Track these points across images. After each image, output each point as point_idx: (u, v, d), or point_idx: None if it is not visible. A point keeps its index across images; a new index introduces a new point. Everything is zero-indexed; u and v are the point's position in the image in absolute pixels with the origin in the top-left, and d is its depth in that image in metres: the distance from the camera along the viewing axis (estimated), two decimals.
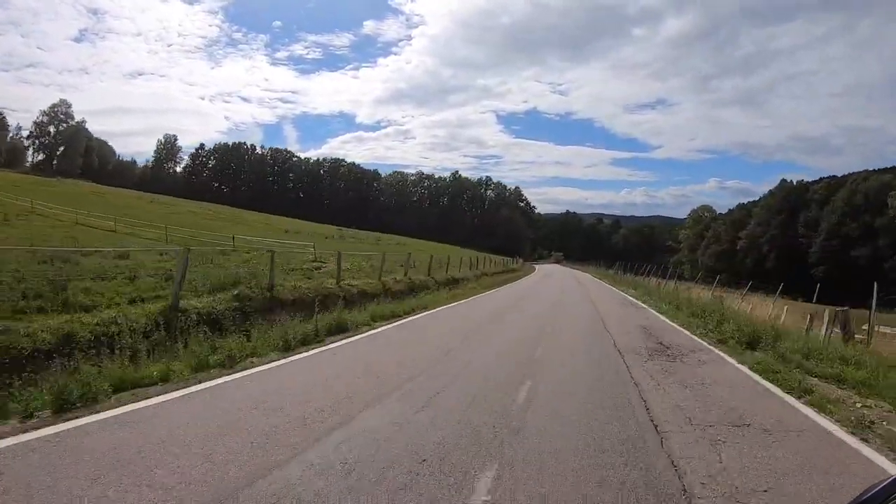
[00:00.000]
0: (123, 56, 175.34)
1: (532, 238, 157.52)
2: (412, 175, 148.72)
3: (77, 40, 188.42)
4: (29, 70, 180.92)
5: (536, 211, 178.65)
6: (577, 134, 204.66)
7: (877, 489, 1.33)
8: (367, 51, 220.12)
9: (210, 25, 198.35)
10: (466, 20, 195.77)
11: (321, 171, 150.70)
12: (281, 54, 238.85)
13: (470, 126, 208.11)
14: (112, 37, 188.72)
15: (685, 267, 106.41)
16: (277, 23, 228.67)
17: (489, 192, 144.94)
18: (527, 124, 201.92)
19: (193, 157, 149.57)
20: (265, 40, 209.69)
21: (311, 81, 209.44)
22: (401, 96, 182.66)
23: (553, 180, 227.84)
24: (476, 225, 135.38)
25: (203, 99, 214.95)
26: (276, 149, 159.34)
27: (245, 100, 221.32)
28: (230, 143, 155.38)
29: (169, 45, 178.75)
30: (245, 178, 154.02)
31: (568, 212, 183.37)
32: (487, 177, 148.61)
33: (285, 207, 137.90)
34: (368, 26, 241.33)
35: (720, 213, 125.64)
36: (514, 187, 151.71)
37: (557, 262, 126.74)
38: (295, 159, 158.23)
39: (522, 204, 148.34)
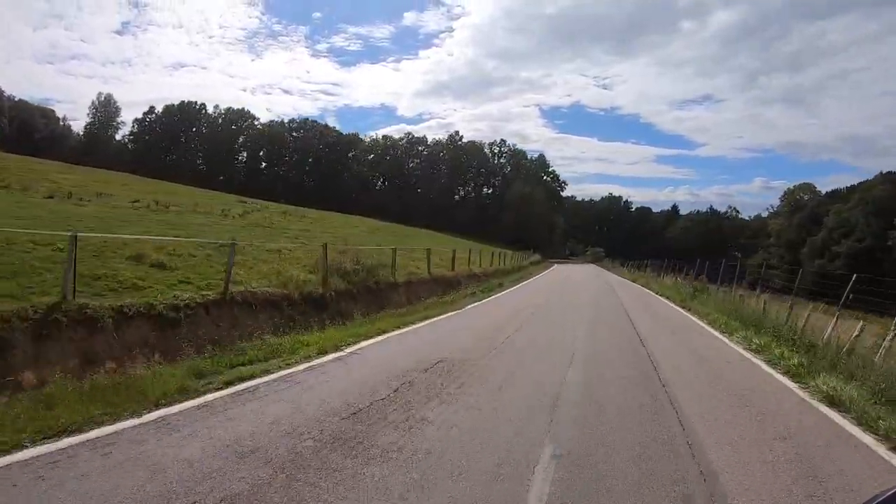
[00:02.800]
0: (165, 48, 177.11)
1: (563, 227, 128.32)
2: (401, 139, 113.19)
3: (119, 32, 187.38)
4: (72, 62, 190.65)
5: (572, 196, 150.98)
6: (621, 130, 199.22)
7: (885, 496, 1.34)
8: (408, 43, 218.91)
9: (250, 17, 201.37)
10: (510, 8, 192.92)
11: (287, 136, 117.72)
12: (321, 46, 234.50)
13: (512, 120, 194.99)
14: (154, 29, 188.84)
15: (777, 273, 67.12)
16: (317, 14, 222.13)
17: (501, 159, 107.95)
18: (570, 118, 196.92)
19: (140, 121, 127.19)
20: (305, 32, 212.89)
21: (351, 74, 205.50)
22: (442, 89, 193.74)
23: (595, 177, 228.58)
24: (485, 205, 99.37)
25: (245, 91, 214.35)
26: (234, 109, 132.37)
27: (286, 92, 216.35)
28: (177, 104, 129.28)
29: (210, 37, 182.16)
30: (196, 146, 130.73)
31: (611, 195, 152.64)
32: (501, 139, 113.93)
33: (239, 179, 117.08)
34: (409, 18, 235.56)
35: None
36: (536, 155, 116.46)
37: (595, 260, 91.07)
38: (258, 122, 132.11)
39: (548, 178, 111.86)
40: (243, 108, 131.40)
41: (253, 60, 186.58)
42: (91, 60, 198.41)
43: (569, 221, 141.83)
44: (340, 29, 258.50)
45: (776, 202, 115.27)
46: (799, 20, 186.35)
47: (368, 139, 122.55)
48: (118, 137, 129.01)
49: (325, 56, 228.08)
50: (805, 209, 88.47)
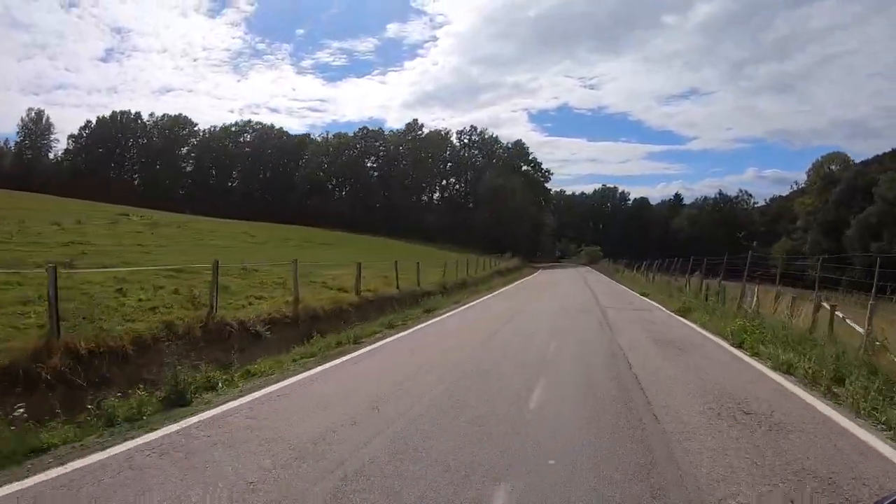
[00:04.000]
0: (150, 73, 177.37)
1: (552, 227, 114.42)
2: (355, 135, 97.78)
3: (104, 60, 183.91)
4: (58, 92, 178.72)
5: (562, 190, 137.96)
6: (610, 129, 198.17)
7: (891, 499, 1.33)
8: (393, 54, 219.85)
9: (233, 38, 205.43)
10: (492, 15, 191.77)
11: (229, 142, 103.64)
12: (306, 62, 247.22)
13: (502, 125, 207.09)
14: (138, 55, 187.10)
15: (811, 263, 52.48)
16: (300, 31, 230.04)
17: (473, 150, 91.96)
18: (558, 121, 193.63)
19: (76, 138, 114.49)
20: (289, 49, 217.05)
21: (338, 89, 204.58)
22: (429, 98, 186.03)
23: (587, 177, 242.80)
24: (458, 204, 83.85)
25: (232, 112, 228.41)
26: (170, 117, 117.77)
27: (274, 110, 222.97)
28: (109, 115, 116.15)
29: (195, 60, 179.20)
30: (131, 161, 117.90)
31: (605, 186, 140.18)
32: (472, 126, 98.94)
33: (177, 192, 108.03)
34: (392, 29, 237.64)
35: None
36: (512, 142, 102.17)
37: (591, 261, 76.06)
38: (198, 129, 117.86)
39: (528, 168, 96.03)
40: (180, 115, 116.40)
41: (238, 81, 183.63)
42: (77, 89, 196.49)
43: (560, 219, 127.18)
44: (324, 44, 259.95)
45: (801, 179, 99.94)
46: (782, 7, 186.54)
47: (320, 138, 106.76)
48: (52, 156, 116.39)
49: (310, 73, 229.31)
50: (841, 182, 72.25)
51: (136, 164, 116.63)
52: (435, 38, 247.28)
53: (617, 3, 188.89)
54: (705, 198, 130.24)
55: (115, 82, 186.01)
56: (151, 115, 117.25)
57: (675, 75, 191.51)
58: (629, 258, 69.41)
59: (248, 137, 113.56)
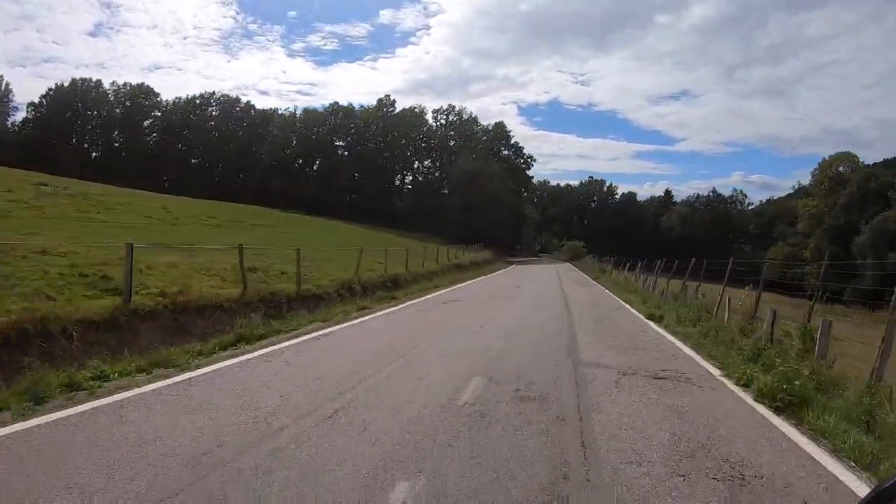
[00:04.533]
0: (140, 50, 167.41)
1: (536, 219, 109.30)
2: (326, 111, 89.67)
3: (92, 34, 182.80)
4: (46, 65, 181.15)
5: (546, 181, 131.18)
6: (599, 126, 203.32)
7: (888, 484, 1.40)
8: (385, 41, 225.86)
9: (224, 17, 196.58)
10: (485, 7, 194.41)
11: (192, 115, 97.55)
12: (297, 45, 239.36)
13: (491, 118, 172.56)
14: (128, 30, 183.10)
15: (810, 271, 46.64)
16: (292, 13, 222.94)
17: (451, 130, 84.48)
18: (548, 116, 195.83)
19: (37, 106, 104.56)
20: (281, 31, 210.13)
21: (329, 73, 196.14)
22: (420, 87, 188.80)
23: (575, 173, 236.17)
24: (431, 190, 76.67)
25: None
26: (133, 86, 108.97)
27: (263, 93, 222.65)
28: (67, 83, 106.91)
29: (185, 38, 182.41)
30: (90, 133, 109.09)
31: (592, 178, 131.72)
32: (450, 105, 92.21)
33: (135, 165, 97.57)
34: (385, 16, 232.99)
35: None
36: (493, 123, 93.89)
37: (573, 257, 69.85)
38: (162, 99, 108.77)
39: (508, 153, 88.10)
40: (143, 84, 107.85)
41: (229, 61, 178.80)
42: (64, 63, 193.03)
43: (544, 212, 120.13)
44: (316, 28, 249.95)
45: (804, 179, 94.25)
46: (778, 11, 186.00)
47: (287, 114, 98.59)
48: (10, 125, 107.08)
49: (301, 56, 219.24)
50: (850, 184, 65.78)
51: (94, 134, 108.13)
52: (428, 27, 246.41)
53: (610, 0, 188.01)
54: (698, 195, 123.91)
55: (104, 58, 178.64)
56: (113, 83, 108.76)
57: (667, 75, 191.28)
58: (615, 256, 62.75)
59: (215, 112, 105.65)
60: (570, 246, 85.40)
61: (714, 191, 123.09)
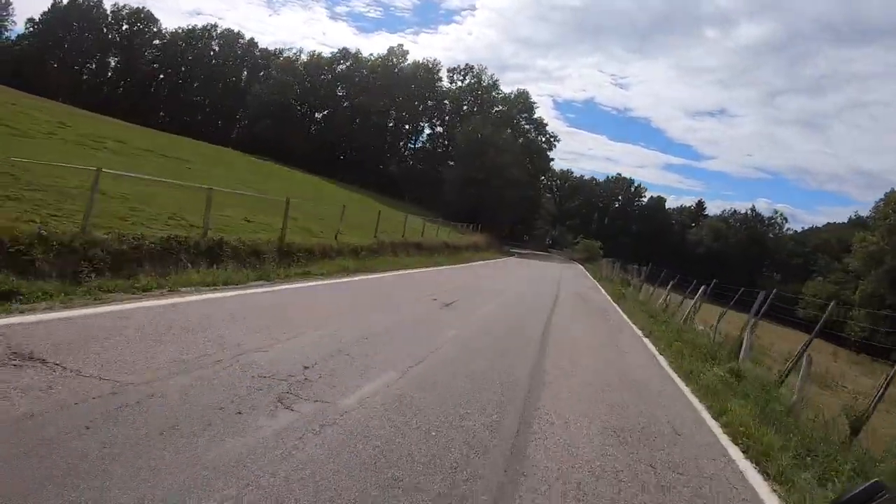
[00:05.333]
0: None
1: (552, 211, 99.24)
2: (333, 57, 79.12)
3: None
4: None
5: (568, 169, 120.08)
6: (632, 131, 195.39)
7: (855, 492, 1.46)
8: (429, 16, 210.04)
9: None
10: None
11: (191, 49, 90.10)
12: (340, 9, 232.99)
13: None
14: None
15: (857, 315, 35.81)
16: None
17: (464, 93, 73.01)
18: (582, 114, 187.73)
19: (37, 23, 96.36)
20: None
21: (369, 40, 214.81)
22: None
23: (601, 176, 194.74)
24: (438, 156, 66.17)
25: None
26: (133, 9, 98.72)
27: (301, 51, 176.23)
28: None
29: None
30: (83, 55, 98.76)
31: (619, 175, 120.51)
32: (467, 63, 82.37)
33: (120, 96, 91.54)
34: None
35: None
36: (515, 90, 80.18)
37: (588, 258, 60.63)
38: (162, 29, 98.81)
39: (529, 127, 75.92)
40: (143, 8, 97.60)
41: (270, 16, 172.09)
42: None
43: (561, 205, 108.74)
44: None
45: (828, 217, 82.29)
46: (826, 44, 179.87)
47: (292, 55, 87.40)
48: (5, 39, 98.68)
49: (343, 20, 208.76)
50: None
51: (88, 57, 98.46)
52: (474, 8, 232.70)
53: (660, 4, 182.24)
54: (734, 211, 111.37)
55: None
56: (115, 4, 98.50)
57: (706, 90, 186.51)
58: (635, 262, 52.17)
59: (216, 46, 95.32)
60: (585, 245, 73.77)
61: (753, 209, 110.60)
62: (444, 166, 66.07)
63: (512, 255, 50.89)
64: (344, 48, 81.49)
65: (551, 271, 37.70)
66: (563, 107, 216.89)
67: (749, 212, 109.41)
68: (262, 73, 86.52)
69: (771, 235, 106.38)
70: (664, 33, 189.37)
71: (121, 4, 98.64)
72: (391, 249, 21.49)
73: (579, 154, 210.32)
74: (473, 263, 29.73)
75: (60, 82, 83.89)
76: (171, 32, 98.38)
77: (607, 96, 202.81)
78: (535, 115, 72.07)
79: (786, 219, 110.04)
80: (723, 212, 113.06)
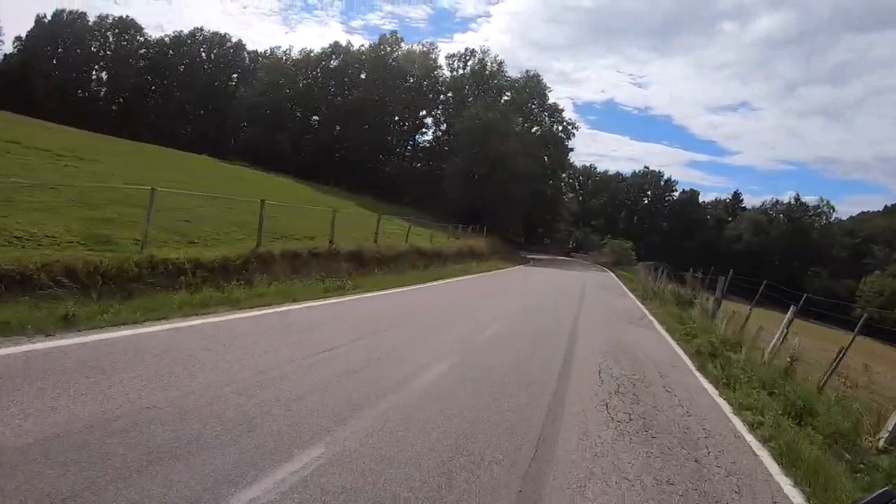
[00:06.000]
0: (197, 13, 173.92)
1: (576, 210, 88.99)
2: (321, 53, 71.48)
3: None
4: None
5: (591, 165, 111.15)
6: (654, 130, 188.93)
7: (868, 499, 1.52)
8: (444, 25, 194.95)
9: None
10: None
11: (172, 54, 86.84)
12: (356, 23, 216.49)
13: None
14: None
15: None
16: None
17: (466, 81, 64.10)
18: (603, 115, 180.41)
19: (24, 40, 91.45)
20: (340, 7, 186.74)
21: None
22: None
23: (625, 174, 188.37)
24: (438, 153, 57.89)
25: None
26: (116, 18, 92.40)
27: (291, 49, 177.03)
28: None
29: (244, 7, 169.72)
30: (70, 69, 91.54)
31: (646, 168, 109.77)
32: (467, 48, 72.46)
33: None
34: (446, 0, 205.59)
35: None
36: (525, 72, 68.20)
37: (618, 261, 52.90)
38: (142, 39, 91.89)
39: (543, 113, 65.85)
40: (125, 17, 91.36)
41: (287, 33, 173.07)
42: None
43: (585, 204, 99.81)
44: (376, 6, 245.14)
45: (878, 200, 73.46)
46: (845, 31, 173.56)
47: (281, 53, 79.39)
48: None
49: (359, 33, 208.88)
50: None
51: (76, 71, 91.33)
52: (489, 14, 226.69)
53: (673, 2, 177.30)
54: (776, 201, 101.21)
55: (162, 20, 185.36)
56: (99, 16, 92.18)
57: (726, 85, 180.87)
58: (666, 263, 43.79)
59: (204, 53, 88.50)
60: (613, 246, 63.63)
61: (797, 198, 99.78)
62: (448, 163, 57.54)
63: (527, 261, 42.74)
64: (335, 42, 73.46)
65: (570, 284, 28.00)
66: (583, 109, 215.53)
67: (792, 201, 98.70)
68: (250, 77, 79.34)
69: (816, 227, 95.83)
70: (680, 31, 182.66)
71: (104, 14, 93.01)
72: (320, 264, 13.64)
73: (602, 156, 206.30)
74: (462, 279, 21.42)
75: (50, 99, 78.72)
76: (157, 40, 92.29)
77: (627, 96, 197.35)
78: (550, 101, 62.45)
79: (832, 207, 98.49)
80: (762, 203, 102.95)
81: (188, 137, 77.61)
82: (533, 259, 49.22)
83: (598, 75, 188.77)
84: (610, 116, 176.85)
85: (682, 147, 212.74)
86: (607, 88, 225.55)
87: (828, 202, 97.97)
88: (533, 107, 61.16)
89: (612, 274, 44.11)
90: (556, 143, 61.14)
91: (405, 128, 69.13)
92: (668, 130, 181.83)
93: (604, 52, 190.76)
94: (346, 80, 68.68)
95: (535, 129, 61.34)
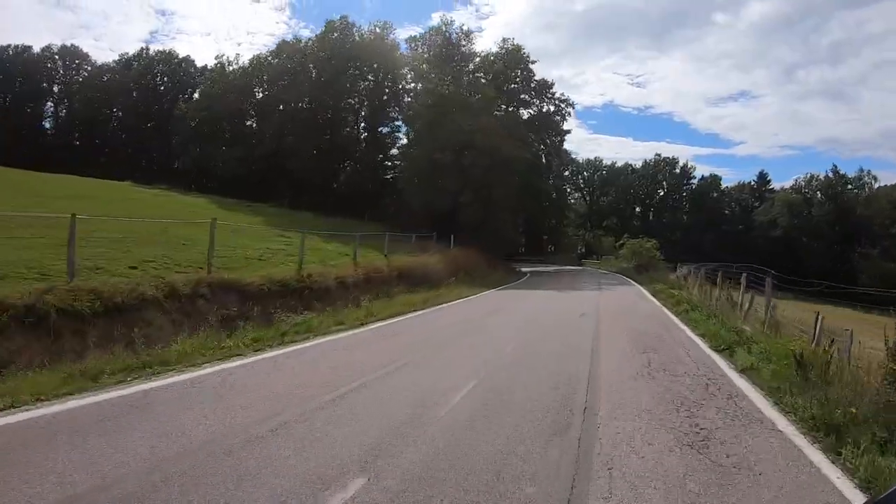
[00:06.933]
0: (194, 54, 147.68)
1: (570, 203, 77.23)
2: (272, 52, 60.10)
3: (148, 42, 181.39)
4: None
5: (597, 158, 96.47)
6: (656, 129, 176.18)
7: (888, 493, 1.46)
8: None
9: (277, 23, 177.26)
10: (540, 6, 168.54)
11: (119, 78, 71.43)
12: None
13: None
14: (182, 37, 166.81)
15: None
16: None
17: (431, 65, 50.80)
18: (603, 118, 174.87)
19: None
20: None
21: None
22: None
23: None
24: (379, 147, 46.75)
25: None
26: (59, 46, 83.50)
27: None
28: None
29: (239, 44, 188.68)
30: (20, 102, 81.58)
31: (658, 156, 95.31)
32: (431, 27, 55.67)
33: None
34: (436, 19, 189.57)
35: None
36: (500, 41, 51.61)
37: (642, 268, 36.96)
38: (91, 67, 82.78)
39: (531, 91, 50.01)
40: (70, 45, 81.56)
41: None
42: None
43: (592, 204, 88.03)
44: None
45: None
46: (838, 8, 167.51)
47: (227, 62, 67.46)
48: None
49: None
50: None
51: (26, 107, 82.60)
52: (481, 30, 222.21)
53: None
54: (811, 177, 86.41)
55: (104, 44, 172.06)
56: (45, 47, 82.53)
57: (725, 77, 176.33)
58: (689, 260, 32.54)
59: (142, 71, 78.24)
60: (633, 247, 48.29)
61: (835, 169, 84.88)
62: (406, 159, 44.52)
63: (521, 276, 30.95)
64: (281, 39, 62.20)
65: (569, 329, 14.23)
66: (583, 114, 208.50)
67: (831, 174, 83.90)
68: (190, 92, 68.49)
69: (861, 199, 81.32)
70: (675, 25, 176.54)
71: (48, 44, 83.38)
72: None
73: (606, 159, 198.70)
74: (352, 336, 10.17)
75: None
76: (100, 65, 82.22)
77: (626, 97, 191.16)
78: (536, 78, 47.33)
79: (875, 177, 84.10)
80: (795, 181, 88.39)
81: (139, 163, 68.40)
82: (530, 273, 37.21)
83: (596, 78, 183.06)
84: (611, 119, 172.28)
85: (685, 143, 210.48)
86: (606, 91, 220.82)
87: (869, 171, 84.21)
88: (515, 85, 47.96)
89: (640, 289, 29.68)
90: (546, 123, 48.40)
91: (362, 131, 56.77)
92: (670, 128, 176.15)
93: (600, 54, 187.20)
94: (291, 80, 56.27)
95: (522, 111, 48.70)
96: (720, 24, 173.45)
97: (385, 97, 53.41)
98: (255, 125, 62.31)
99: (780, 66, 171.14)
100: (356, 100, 54.95)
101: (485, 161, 36.04)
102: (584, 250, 70.74)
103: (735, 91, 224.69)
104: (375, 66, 52.76)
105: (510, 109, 47.25)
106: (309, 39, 58.99)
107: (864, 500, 4.27)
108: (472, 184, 36.03)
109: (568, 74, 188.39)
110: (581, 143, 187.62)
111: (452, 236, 28.72)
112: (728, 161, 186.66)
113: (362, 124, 55.49)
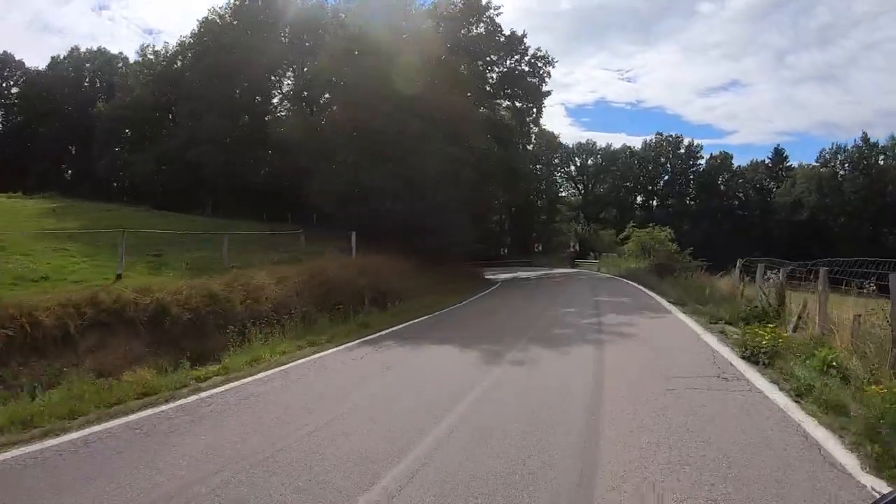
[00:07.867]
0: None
1: (575, 202, 72.68)
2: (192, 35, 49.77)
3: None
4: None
5: (592, 141, 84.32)
6: (649, 123, 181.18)
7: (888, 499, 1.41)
8: None
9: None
10: (527, 7, 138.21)
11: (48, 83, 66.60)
12: None
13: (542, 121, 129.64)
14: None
15: None
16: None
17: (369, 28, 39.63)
18: (596, 116, 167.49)
19: None
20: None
21: None
22: None
23: None
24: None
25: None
26: None
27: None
28: None
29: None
30: None
31: (659, 135, 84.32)
32: None
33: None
34: None
35: None
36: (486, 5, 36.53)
37: (662, 267, 26.87)
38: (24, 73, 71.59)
39: (498, 47, 37.19)
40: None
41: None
42: None
43: (587, 194, 78.12)
44: None
45: None
46: None
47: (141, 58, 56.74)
48: None
49: None
50: None
51: None
52: None
53: None
54: (837, 146, 74.81)
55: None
56: None
57: (715, 66, 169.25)
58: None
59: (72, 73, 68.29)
60: (640, 238, 35.72)
61: (865, 137, 73.12)
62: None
63: (479, 290, 20.55)
64: (204, 17, 51.09)
65: None
66: (575, 112, 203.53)
67: (859, 143, 72.08)
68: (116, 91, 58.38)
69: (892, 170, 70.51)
70: (662, 17, 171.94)
71: None
72: None
73: (600, 142, 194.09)
74: None
75: None
76: (37, 72, 72.36)
77: (617, 93, 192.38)
78: (506, 31, 35.70)
79: None
80: (820, 153, 76.76)
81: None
82: (501, 283, 26.76)
83: (586, 76, 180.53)
84: (603, 116, 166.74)
85: (679, 134, 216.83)
86: (597, 88, 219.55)
87: None
88: (473, 34, 36.25)
89: (688, 323, 12.37)
90: (521, 87, 37.44)
91: (281, 109, 45.76)
92: (663, 120, 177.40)
93: (589, 51, 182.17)
94: (206, 64, 45.22)
95: (489, 74, 37.41)
96: (705, 14, 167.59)
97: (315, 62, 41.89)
98: (173, 121, 52.03)
99: (769, 52, 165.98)
100: (277, 75, 44.25)
101: (419, 123, 23.82)
102: (577, 247, 59.58)
103: (726, 80, 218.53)
104: (301, 31, 41.69)
105: (477, 66, 36.06)
106: (224, 10, 47.49)
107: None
108: (397, 156, 23.68)
109: (558, 74, 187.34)
110: (574, 141, 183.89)
111: (353, 234, 17.93)
112: (722, 150, 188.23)
113: (285, 103, 44.71)
